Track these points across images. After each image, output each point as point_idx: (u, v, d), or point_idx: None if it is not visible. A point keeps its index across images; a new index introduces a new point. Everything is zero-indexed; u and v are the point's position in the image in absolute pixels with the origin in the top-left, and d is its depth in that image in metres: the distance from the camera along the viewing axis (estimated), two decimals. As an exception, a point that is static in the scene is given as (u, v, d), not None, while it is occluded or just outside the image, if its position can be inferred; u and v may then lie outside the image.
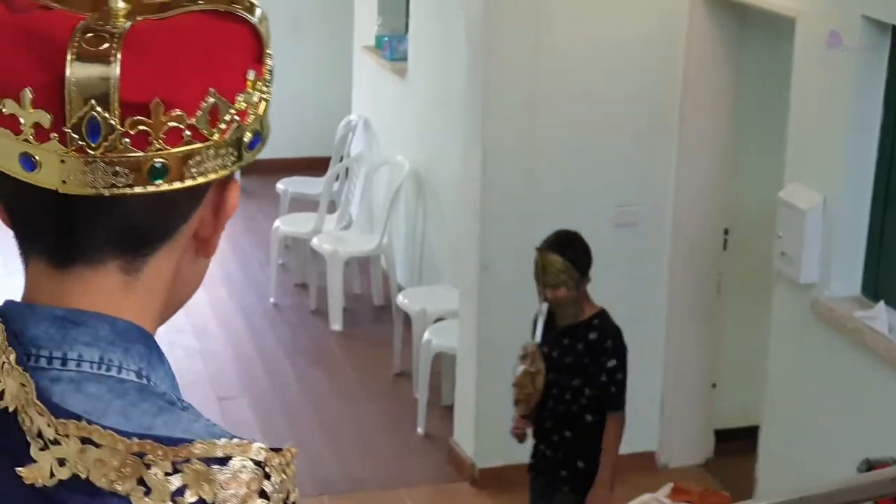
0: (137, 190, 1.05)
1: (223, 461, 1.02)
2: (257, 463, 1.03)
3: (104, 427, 1.01)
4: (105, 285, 1.09)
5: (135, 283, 1.10)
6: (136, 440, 1.01)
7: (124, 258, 1.09)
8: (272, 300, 7.58)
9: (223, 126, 1.08)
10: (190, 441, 1.01)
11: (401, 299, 6.56)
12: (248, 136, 1.11)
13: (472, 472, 5.70)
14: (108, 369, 1.07)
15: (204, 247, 1.15)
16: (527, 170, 5.52)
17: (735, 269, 5.88)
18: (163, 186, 1.06)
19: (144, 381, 1.08)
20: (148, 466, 1.01)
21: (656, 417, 5.91)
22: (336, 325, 7.20)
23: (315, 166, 8.69)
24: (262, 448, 1.04)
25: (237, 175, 1.15)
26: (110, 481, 1.01)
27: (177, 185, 1.06)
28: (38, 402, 1.03)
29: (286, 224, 7.75)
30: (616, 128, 5.59)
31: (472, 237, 5.65)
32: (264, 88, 1.14)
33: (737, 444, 5.82)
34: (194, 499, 1.00)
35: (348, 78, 8.76)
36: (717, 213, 5.77)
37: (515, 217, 5.53)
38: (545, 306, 4.58)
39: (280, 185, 8.38)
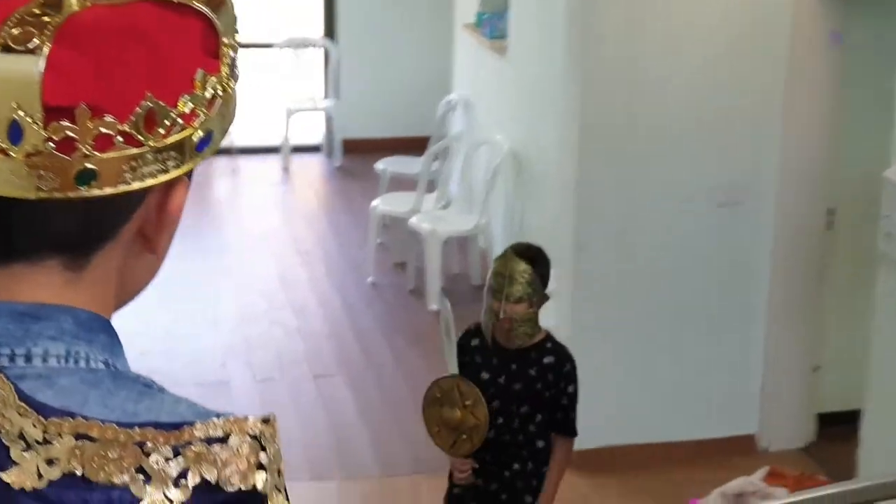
0: (67, 194, 1.02)
1: (223, 440, 1.00)
2: (253, 437, 1.02)
3: (103, 421, 0.99)
4: (48, 282, 1.07)
5: (78, 281, 1.08)
6: (137, 430, 0.99)
7: (65, 257, 1.07)
8: (370, 279, 7.59)
9: (162, 131, 1.04)
10: (191, 423, 1.00)
11: (498, 279, 6.52)
12: (196, 137, 1.07)
13: (567, 453, 5.65)
14: (77, 362, 1.05)
15: (149, 245, 1.12)
16: (625, 149, 5.45)
17: (839, 250, 5.75)
18: (93, 192, 1.02)
19: (113, 368, 1.06)
20: (147, 455, 0.99)
21: (756, 400, 5.81)
22: (434, 305, 7.18)
23: (414, 146, 8.67)
24: (256, 422, 1.02)
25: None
26: (108, 475, 0.98)
27: (108, 190, 1.03)
28: (21, 403, 0.99)
29: (385, 203, 7.75)
30: (718, 107, 5.49)
31: (568, 217, 5.59)
32: (221, 85, 1.09)
33: (840, 428, 5.68)
34: (197, 480, 0.99)
35: (449, 57, 8.73)
36: (821, 193, 5.65)
37: (613, 197, 5.46)
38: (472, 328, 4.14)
39: (379, 165, 8.39)
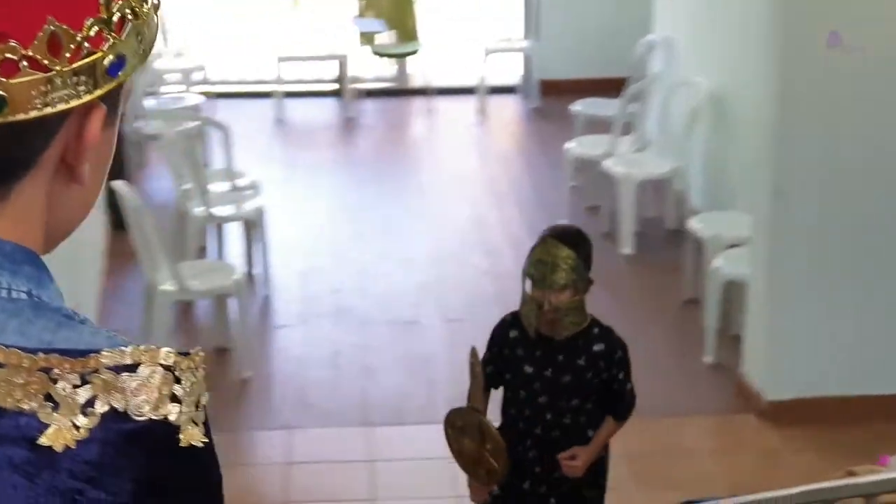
0: None
1: (132, 368, 1.01)
2: (167, 367, 1.02)
3: (7, 346, 0.99)
4: None
5: (3, 209, 1.09)
6: (42, 356, 0.99)
7: None
8: (563, 222, 7.51)
9: (68, 55, 1.04)
10: (97, 351, 1.00)
11: (694, 224, 6.39)
12: (107, 61, 1.07)
13: (758, 403, 5.52)
14: None
15: (73, 174, 1.11)
16: (827, 93, 5.25)
17: None
18: (7, 118, 1.03)
19: (36, 299, 1.06)
20: (55, 381, 0.99)
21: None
22: (626, 249, 7.09)
23: (612, 87, 8.53)
24: (170, 353, 1.02)
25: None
26: (16, 400, 0.99)
27: (20, 116, 1.03)
28: None
29: (579, 146, 7.66)
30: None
31: (767, 162, 5.42)
32: (130, 8, 1.09)
33: None
34: (105, 408, 0.99)
35: (649, -4, 8.55)
36: None
37: (813, 141, 5.27)
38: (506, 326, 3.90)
39: (575, 107, 8.30)
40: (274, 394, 5.67)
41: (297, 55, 10.24)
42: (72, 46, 1.05)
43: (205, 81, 9.64)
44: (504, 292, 6.63)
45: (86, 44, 1.06)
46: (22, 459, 0.98)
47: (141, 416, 1.00)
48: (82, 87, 1.07)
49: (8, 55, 1.03)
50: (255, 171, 7.48)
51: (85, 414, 0.99)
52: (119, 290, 6.53)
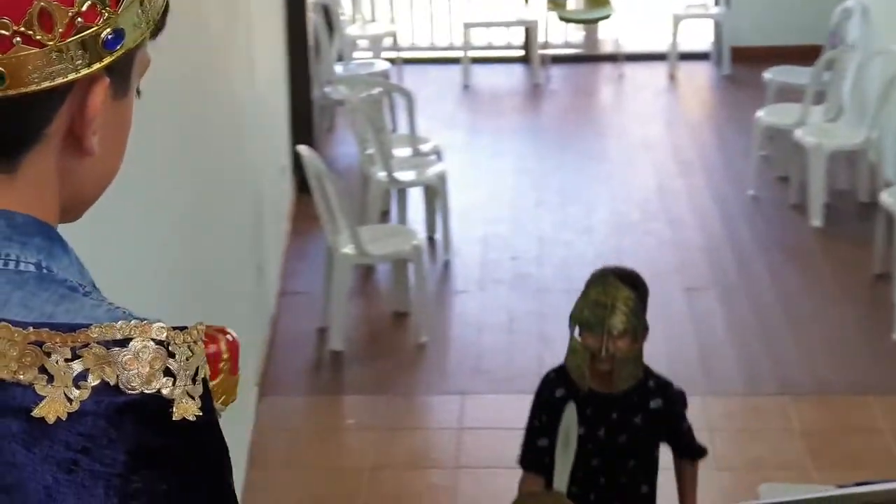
0: None
1: (123, 343, 1.02)
2: (159, 342, 1.03)
3: (1, 319, 1.02)
4: None
5: (14, 182, 1.11)
6: (31, 330, 1.01)
7: None
8: (751, 192, 7.36)
9: (61, 30, 1.07)
10: (87, 326, 1.02)
11: (886, 197, 6.17)
12: (105, 34, 1.09)
13: (949, 384, 5.31)
14: (6, 263, 1.08)
15: (80, 147, 1.13)
16: None
17: None
18: (7, 93, 1.06)
19: (45, 271, 1.09)
20: (48, 354, 1.01)
21: None
22: (816, 221, 6.89)
23: (805, 55, 8.30)
24: (162, 327, 1.04)
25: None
26: (12, 372, 1.01)
27: (21, 90, 1.06)
28: None
29: (770, 114, 7.46)
30: None
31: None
32: None
33: None
34: (97, 382, 1.01)
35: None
36: None
37: None
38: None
39: (767, 74, 8.09)
40: (449, 359, 5.70)
41: (485, 21, 10.22)
42: (64, 21, 1.07)
43: (394, 48, 9.70)
44: (687, 264, 6.53)
45: (79, 19, 1.08)
46: (19, 430, 1.01)
47: (133, 389, 1.02)
48: (80, 62, 1.09)
49: (0, 31, 1.05)
50: (440, 137, 7.51)
51: (77, 387, 1.01)
52: (302, 252, 6.64)
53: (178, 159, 3.87)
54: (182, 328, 1.06)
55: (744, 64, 9.51)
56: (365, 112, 6.48)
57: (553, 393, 3.54)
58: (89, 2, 1.09)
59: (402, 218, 6.89)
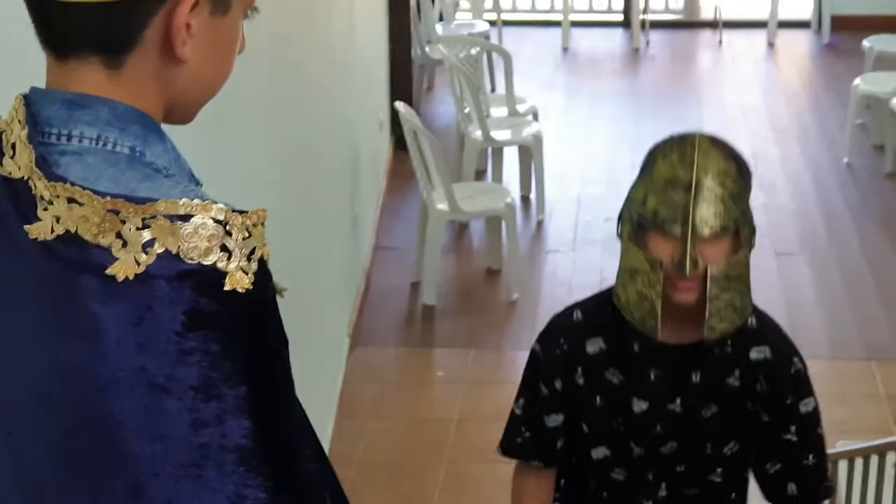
0: None
1: (185, 218, 1.17)
2: (218, 221, 1.18)
3: (83, 188, 1.18)
4: (93, 77, 1.26)
5: (119, 78, 1.27)
6: (108, 199, 1.18)
7: (103, 55, 1.26)
8: (846, 160, 7.34)
9: None
10: (155, 200, 1.17)
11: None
12: None
13: None
14: (105, 145, 1.25)
15: (172, 54, 1.27)
16: None
17: None
18: None
19: (137, 154, 1.25)
20: (123, 222, 1.17)
21: None
22: (910, 191, 6.88)
23: (908, 24, 8.24)
24: (222, 208, 1.18)
25: None
26: (94, 234, 1.18)
27: None
28: (36, 168, 1.22)
29: (867, 83, 7.43)
30: None
31: None
32: None
33: None
34: (161, 249, 1.16)
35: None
36: None
37: None
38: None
39: (866, 43, 8.04)
40: (539, 317, 5.79)
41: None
42: None
43: (495, 9, 9.78)
44: (779, 227, 6.56)
45: None
46: (97, 286, 1.18)
47: (192, 259, 1.17)
48: None
49: None
50: (538, 98, 7.59)
51: (146, 252, 1.17)
52: (399, 207, 6.77)
53: (277, 108, 4.00)
54: (243, 212, 1.20)
55: (845, 32, 9.45)
56: (462, 71, 6.59)
57: (583, 345, 2.31)
58: None
59: (498, 177, 6.99)
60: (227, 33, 1.34)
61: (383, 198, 6.81)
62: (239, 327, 1.19)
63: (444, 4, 9.05)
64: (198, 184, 1.36)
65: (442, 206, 5.75)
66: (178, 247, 1.17)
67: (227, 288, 1.17)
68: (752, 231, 2.24)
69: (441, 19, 8.95)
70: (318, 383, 4.73)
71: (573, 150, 7.64)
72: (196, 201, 1.19)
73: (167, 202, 1.18)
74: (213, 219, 1.18)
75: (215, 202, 1.20)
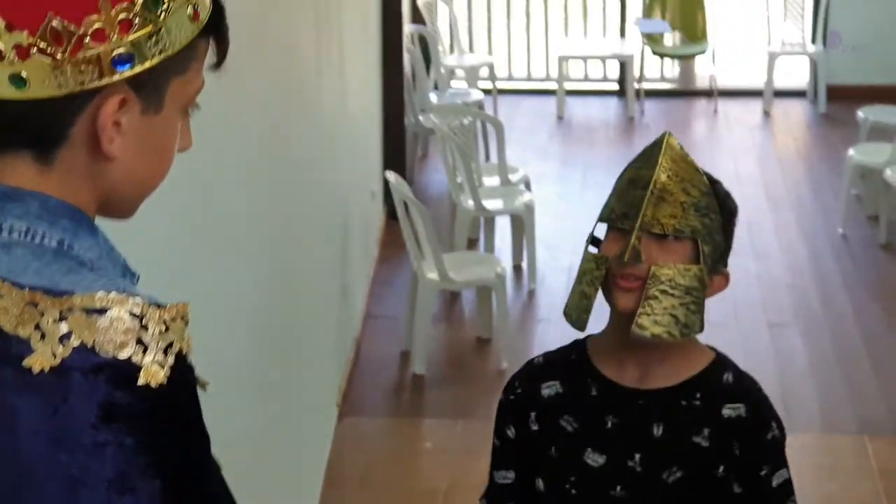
0: (5, 95, 1.25)
1: (101, 311, 1.20)
2: (134, 315, 1.19)
3: (4, 279, 1.23)
4: (25, 171, 1.30)
5: (50, 172, 1.31)
6: (28, 291, 1.21)
7: (34, 150, 1.30)
8: (840, 230, 7.33)
9: (71, 47, 1.25)
10: (72, 293, 1.21)
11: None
12: (116, 53, 1.27)
13: None
14: (33, 238, 1.28)
15: (99, 150, 1.30)
16: None
17: None
18: (27, 94, 1.25)
19: (66, 247, 1.28)
20: (42, 314, 1.20)
21: None
22: (904, 262, 6.86)
23: (903, 94, 8.27)
24: (139, 303, 1.20)
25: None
26: (13, 326, 1.21)
27: (40, 94, 1.25)
28: None
29: (860, 153, 7.43)
30: None
31: None
32: (135, 12, 1.26)
33: None
34: (77, 342, 1.19)
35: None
36: None
37: None
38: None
39: (861, 113, 8.06)
40: (529, 386, 5.76)
41: (581, 54, 10.31)
42: (73, 40, 1.25)
43: (490, 78, 9.82)
44: (772, 298, 6.53)
45: (87, 39, 1.25)
46: (12, 377, 1.19)
47: (106, 353, 1.18)
48: (89, 76, 1.26)
49: (19, 42, 1.24)
50: (532, 166, 7.59)
51: (62, 344, 1.19)
52: (390, 276, 6.75)
53: (267, 178, 3.99)
54: (159, 305, 1.22)
55: (840, 102, 9.48)
56: (454, 141, 6.59)
57: (537, 388, 2.17)
58: (97, 25, 1.25)
59: (490, 246, 6.98)
60: (162, 131, 1.36)
61: (375, 266, 6.80)
62: (153, 421, 1.20)
63: (438, 73, 9.08)
64: (133, 276, 1.37)
65: (432, 275, 5.73)
66: (94, 340, 1.19)
67: (140, 382, 1.19)
68: (718, 253, 2.11)
69: (436, 88, 8.98)
70: (305, 453, 4.68)
71: (566, 219, 7.63)
72: (113, 295, 1.21)
73: (84, 296, 1.20)
74: (129, 312, 1.20)
75: (134, 295, 1.22)
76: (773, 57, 9.74)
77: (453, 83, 9.71)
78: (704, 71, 10.39)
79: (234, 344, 3.41)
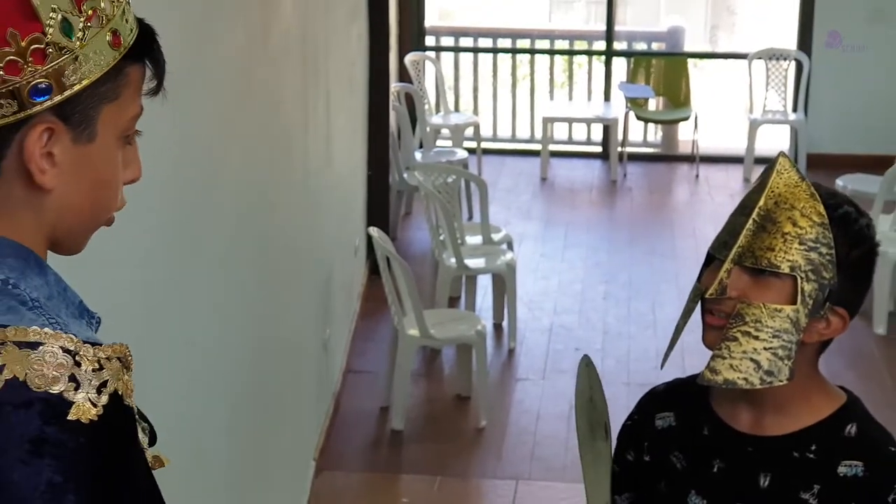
0: None
1: (34, 346, 1.19)
2: (67, 351, 1.19)
3: None
4: None
5: None
6: None
7: None
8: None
9: None
10: (5, 326, 1.20)
11: (950, 308, 6.20)
12: (32, 85, 1.25)
13: None
14: None
15: (31, 181, 1.29)
16: None
17: None
18: None
19: (10, 286, 1.26)
20: None
21: None
22: (880, 329, 6.92)
23: (881, 164, 8.36)
24: (72, 339, 1.19)
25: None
26: None
27: None
28: None
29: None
30: None
31: None
32: (49, 43, 1.25)
33: None
34: (10, 376, 1.18)
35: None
36: None
37: None
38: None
39: (839, 182, 8.16)
40: (506, 444, 5.79)
41: (565, 116, 10.43)
42: None
43: (475, 137, 9.91)
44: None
45: (1, 72, 1.25)
46: None
47: (38, 388, 1.18)
48: (8, 109, 1.26)
49: None
50: (515, 226, 7.66)
51: None
52: (371, 331, 6.79)
53: (250, 230, 4.04)
54: (95, 344, 1.22)
55: (819, 170, 9.58)
56: (438, 199, 6.66)
57: (652, 417, 2.09)
58: (9, 58, 1.25)
59: (471, 304, 7.02)
60: (99, 160, 1.34)
61: (356, 321, 6.83)
62: (83, 458, 1.19)
63: (424, 131, 9.17)
64: (91, 316, 1.36)
65: (413, 331, 5.77)
66: (26, 374, 1.18)
67: (70, 417, 1.18)
68: (823, 295, 1.86)
69: (421, 146, 9.06)
70: (281, 507, 4.70)
71: (547, 279, 7.69)
72: (47, 330, 1.20)
73: (17, 329, 1.20)
74: (62, 348, 1.20)
75: (67, 332, 1.21)
76: (754, 124, 9.86)
77: (438, 142, 9.81)
78: (687, 136, 10.50)
79: (213, 396, 3.44)
